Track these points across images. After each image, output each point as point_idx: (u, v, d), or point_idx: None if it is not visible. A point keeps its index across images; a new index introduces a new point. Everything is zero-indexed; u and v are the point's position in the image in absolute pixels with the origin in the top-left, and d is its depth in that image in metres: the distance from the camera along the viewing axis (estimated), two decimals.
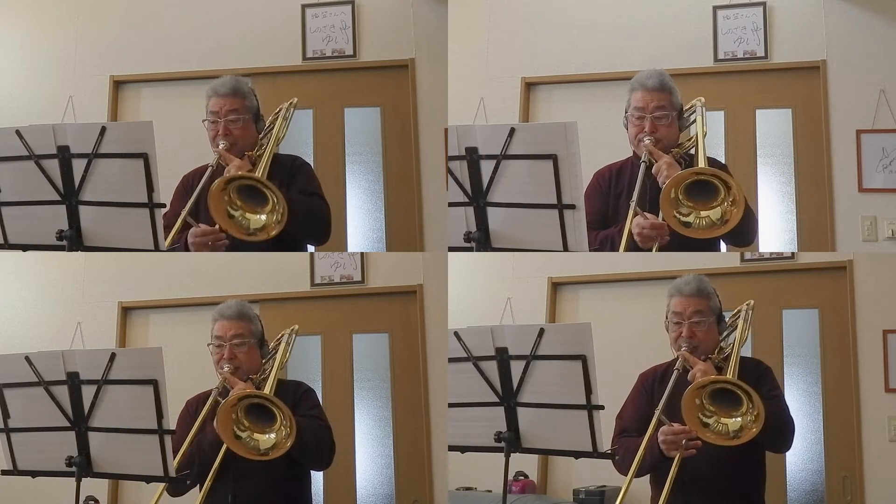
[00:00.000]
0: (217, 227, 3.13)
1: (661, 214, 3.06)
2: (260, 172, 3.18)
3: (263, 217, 3.13)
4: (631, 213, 3.08)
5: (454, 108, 4.85)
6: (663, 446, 3.05)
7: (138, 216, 2.97)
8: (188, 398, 3.42)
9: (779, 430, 3.12)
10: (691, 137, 3.31)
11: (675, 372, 3.15)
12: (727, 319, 3.36)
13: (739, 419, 3.03)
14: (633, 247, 3.13)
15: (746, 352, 4.71)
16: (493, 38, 5.19)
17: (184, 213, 3.18)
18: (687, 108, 3.38)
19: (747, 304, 3.44)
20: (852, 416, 4.63)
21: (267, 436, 3.12)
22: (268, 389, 3.16)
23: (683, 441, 3.02)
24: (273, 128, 3.45)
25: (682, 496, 3.10)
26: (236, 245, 3.29)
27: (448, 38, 4.88)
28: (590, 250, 3.04)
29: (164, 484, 3.10)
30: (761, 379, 3.19)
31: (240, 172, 3.16)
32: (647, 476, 3.22)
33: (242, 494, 3.22)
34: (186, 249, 3.23)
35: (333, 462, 3.35)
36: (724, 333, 3.30)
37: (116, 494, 4.86)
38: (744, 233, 3.18)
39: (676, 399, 3.07)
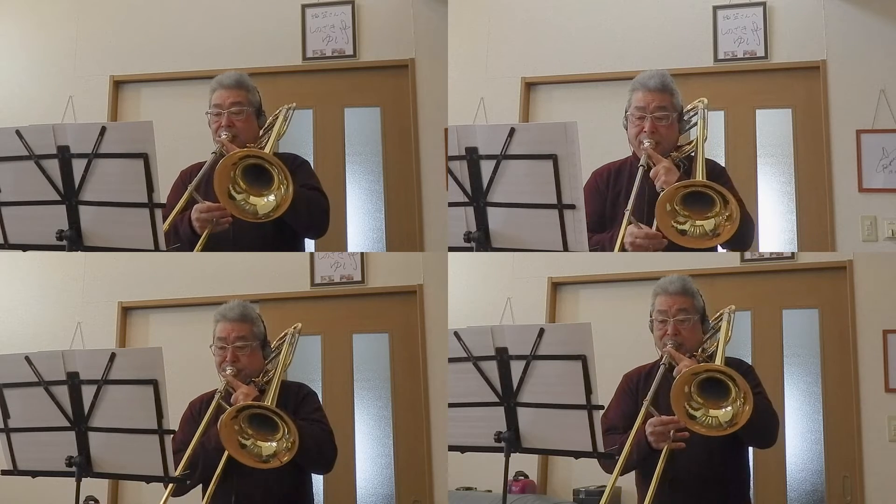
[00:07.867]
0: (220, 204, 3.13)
1: (655, 223, 3.04)
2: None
3: (272, 197, 3.13)
4: (626, 221, 3.06)
5: (454, 108, 4.85)
6: (651, 438, 3.05)
7: (138, 216, 2.96)
8: (189, 398, 3.42)
9: (763, 425, 3.13)
10: (691, 141, 3.29)
11: (662, 367, 3.15)
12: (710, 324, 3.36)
13: (730, 408, 3.02)
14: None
15: (746, 352, 4.76)
16: (493, 38, 5.19)
17: (190, 188, 3.21)
18: (689, 108, 3.37)
19: (729, 309, 3.43)
20: (852, 416, 4.63)
21: (269, 443, 3.12)
22: (270, 398, 3.16)
23: (671, 432, 3.02)
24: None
25: (668, 494, 3.10)
26: (236, 245, 3.29)
27: (448, 38, 4.88)
28: (589, 250, 3.04)
29: (170, 487, 3.10)
30: (743, 376, 3.18)
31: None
32: (634, 478, 3.22)
33: (245, 494, 3.22)
34: (186, 249, 3.24)
35: None
36: (708, 334, 3.30)
37: (116, 494, 4.85)
38: (741, 240, 3.17)
39: (663, 395, 3.08)
